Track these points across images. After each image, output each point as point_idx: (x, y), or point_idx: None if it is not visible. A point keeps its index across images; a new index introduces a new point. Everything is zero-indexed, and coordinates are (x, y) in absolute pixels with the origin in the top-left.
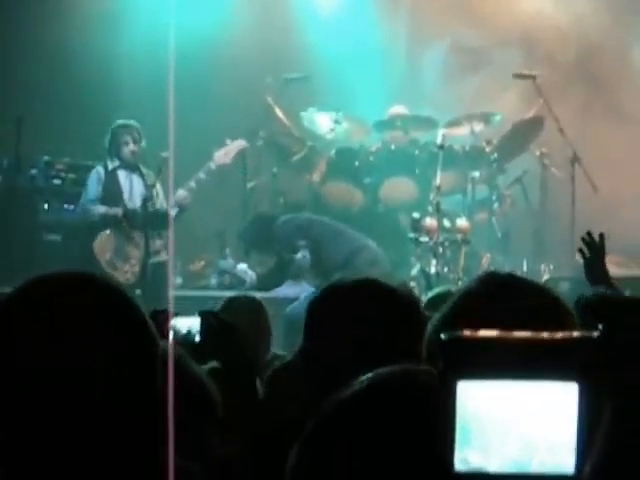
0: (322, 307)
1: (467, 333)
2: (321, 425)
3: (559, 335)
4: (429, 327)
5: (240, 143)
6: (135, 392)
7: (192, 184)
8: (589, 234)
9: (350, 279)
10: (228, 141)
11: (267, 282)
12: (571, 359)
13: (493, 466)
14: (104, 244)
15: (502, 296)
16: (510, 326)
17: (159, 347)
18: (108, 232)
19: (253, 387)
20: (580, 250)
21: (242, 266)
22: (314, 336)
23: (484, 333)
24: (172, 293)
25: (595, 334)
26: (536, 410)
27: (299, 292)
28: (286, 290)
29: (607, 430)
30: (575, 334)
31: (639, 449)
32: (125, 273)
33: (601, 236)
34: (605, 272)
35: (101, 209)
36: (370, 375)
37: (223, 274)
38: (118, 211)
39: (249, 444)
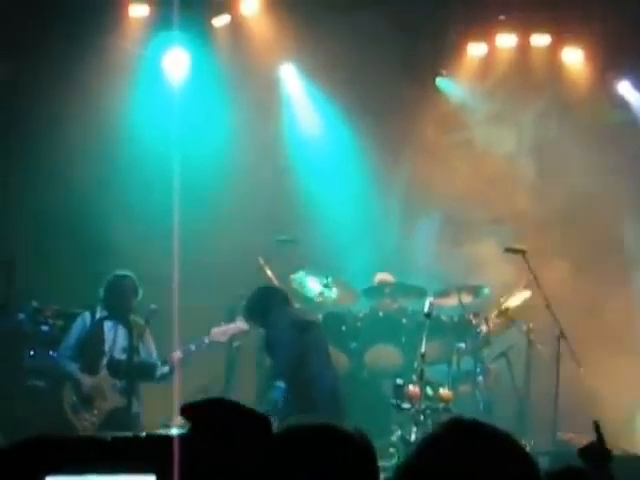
0: (277, 451)
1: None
2: None
3: (140, 434)
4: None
5: (240, 326)
6: None
7: (179, 354)
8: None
9: (306, 424)
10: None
11: None
12: (150, 455)
13: None
14: (72, 388)
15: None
16: (477, 468)
17: None
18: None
19: None
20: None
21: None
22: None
23: (68, 435)
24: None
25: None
26: None
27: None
28: None
29: None
30: (153, 433)
31: None
32: (84, 421)
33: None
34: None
35: (72, 367)
36: None
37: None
38: (85, 380)
39: None
